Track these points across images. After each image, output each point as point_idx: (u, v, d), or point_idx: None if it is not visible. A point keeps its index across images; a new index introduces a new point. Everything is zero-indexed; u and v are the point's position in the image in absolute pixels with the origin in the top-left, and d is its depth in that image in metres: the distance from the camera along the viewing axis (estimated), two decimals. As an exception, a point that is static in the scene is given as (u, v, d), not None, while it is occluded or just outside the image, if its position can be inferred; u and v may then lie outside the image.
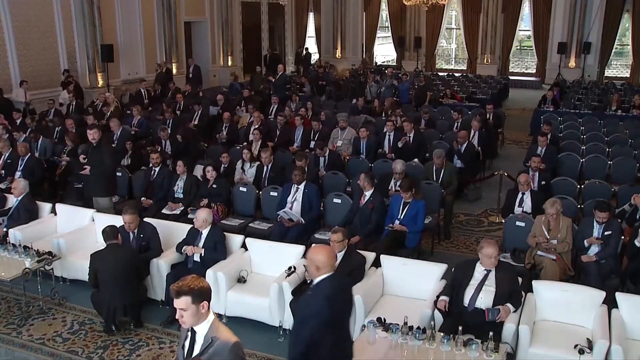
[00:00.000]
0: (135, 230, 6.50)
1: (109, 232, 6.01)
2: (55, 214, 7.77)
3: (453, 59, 29.51)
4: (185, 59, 20.72)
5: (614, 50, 24.38)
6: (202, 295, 3.36)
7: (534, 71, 26.32)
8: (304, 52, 26.50)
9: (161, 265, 6.38)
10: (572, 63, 24.02)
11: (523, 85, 24.39)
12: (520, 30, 26.15)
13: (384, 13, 28.70)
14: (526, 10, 25.42)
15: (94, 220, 7.47)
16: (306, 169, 8.21)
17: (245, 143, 10.65)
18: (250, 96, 15.12)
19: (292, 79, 19.51)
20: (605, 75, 24.16)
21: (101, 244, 6.43)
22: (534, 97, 20.64)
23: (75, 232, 7.26)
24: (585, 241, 6.39)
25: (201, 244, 6.31)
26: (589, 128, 12.27)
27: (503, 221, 8.72)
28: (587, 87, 19.72)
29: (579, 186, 8.41)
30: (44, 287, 6.53)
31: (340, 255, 5.85)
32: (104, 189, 8.09)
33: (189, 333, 3.50)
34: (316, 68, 24.23)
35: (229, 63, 22.84)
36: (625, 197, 7.82)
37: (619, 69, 25.31)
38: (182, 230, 6.78)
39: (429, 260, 7.17)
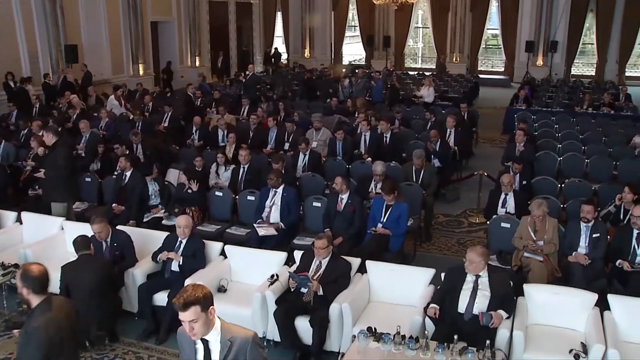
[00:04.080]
0: (108, 239, 6.17)
1: (81, 242, 5.68)
2: (21, 223, 7.35)
3: (420, 58, 29.60)
4: (152, 59, 20.30)
5: (579, 48, 24.77)
6: (208, 301, 3.29)
7: (501, 69, 26.58)
8: (273, 51, 26.22)
9: (137, 276, 6.07)
10: (539, 61, 24.32)
11: (492, 84, 24.44)
12: (488, 29, 26.34)
13: (352, 12, 28.64)
14: (494, 9, 25.61)
15: (63, 228, 7.10)
16: (283, 171, 7.99)
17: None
18: (221, 98, 14.88)
19: (261, 80, 19.23)
20: (572, 73, 24.51)
21: (72, 254, 6.08)
22: (504, 95, 20.78)
23: (43, 241, 6.87)
24: (569, 259, 6.28)
25: (180, 252, 6.02)
26: (563, 126, 12.29)
27: (484, 221, 8.73)
28: (556, 85, 19.89)
29: (559, 185, 8.35)
30: (10, 302, 6.16)
31: (324, 262, 5.66)
32: (58, 194, 7.58)
33: (198, 346, 3.40)
34: (283, 67, 24.06)
35: (197, 63, 22.45)
36: (605, 195, 7.84)
37: (584, 67, 25.71)
38: (157, 238, 6.48)
39: (412, 263, 7.06)
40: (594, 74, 24.47)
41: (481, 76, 24.07)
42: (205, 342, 3.36)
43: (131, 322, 6.07)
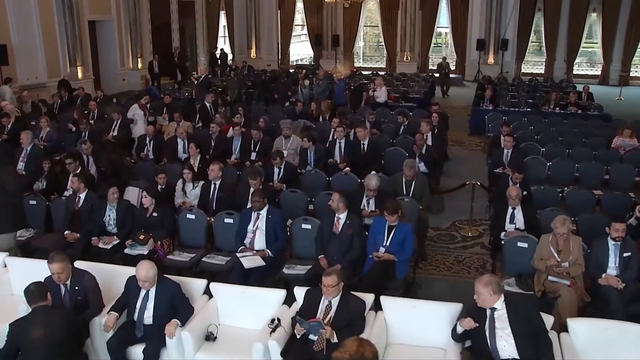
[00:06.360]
0: (68, 282, 5.10)
1: (35, 292, 4.56)
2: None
3: (361, 57, 28.95)
4: (91, 61, 18.78)
5: (529, 47, 24.79)
6: None
7: (452, 68, 26.26)
8: (219, 52, 24.99)
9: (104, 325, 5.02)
10: (490, 59, 24.17)
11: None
12: (438, 27, 25.99)
13: (300, 11, 27.80)
14: (444, 7, 25.27)
15: (6, 266, 5.94)
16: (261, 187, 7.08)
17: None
18: (172, 103, 13.70)
19: (213, 83, 18.07)
20: (522, 71, 24.46)
21: (18, 298, 5.07)
22: (459, 94, 20.54)
23: (-19, 284, 5.72)
24: (599, 282, 5.65)
25: (151, 305, 4.97)
26: (538, 128, 11.76)
27: (478, 234, 8.13)
28: (514, 84, 19.60)
29: (560, 194, 7.76)
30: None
31: (335, 302, 4.80)
32: (5, 223, 6.39)
33: None
34: (233, 68, 22.95)
35: (139, 65, 20.96)
36: (610, 204, 7.34)
37: (533, 65, 25.72)
38: (124, 274, 5.42)
39: (418, 290, 6.36)
40: (543, 72, 24.53)
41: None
42: None
43: (99, 382, 5.04)
